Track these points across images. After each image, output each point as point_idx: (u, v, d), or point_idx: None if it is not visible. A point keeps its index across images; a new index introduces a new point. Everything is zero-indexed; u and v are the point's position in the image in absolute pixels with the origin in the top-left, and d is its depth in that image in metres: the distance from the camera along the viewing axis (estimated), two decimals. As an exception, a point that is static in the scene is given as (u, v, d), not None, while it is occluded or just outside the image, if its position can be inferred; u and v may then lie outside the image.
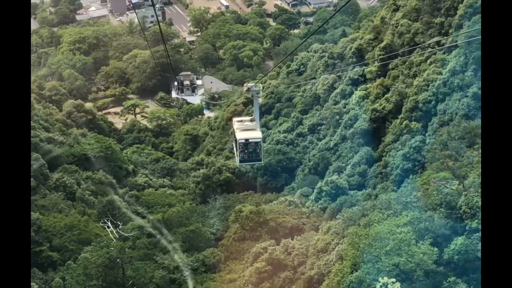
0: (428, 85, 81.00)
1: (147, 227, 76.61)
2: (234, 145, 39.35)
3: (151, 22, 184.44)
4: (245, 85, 39.07)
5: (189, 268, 70.80)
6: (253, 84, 37.63)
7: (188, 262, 71.57)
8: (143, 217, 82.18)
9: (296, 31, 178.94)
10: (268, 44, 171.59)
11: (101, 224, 68.34)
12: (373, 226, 58.01)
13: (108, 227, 63.04)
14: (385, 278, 51.20)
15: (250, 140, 36.33)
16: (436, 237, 55.35)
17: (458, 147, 70.69)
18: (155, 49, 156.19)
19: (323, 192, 75.63)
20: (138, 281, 58.50)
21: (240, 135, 36.54)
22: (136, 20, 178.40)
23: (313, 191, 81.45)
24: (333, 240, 64.73)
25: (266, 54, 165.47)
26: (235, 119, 39.07)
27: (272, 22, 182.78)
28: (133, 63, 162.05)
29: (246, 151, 36.88)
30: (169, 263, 70.87)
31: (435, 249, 52.36)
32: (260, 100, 37.11)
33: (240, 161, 37.17)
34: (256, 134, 36.46)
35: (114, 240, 61.26)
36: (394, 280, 51.47)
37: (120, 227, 66.15)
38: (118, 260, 55.64)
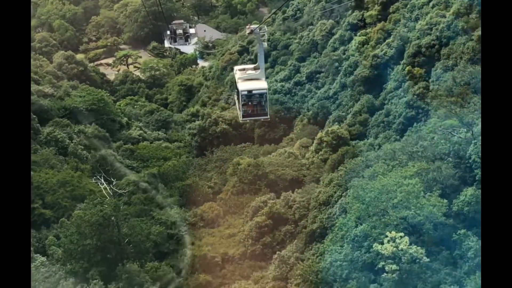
0: (431, 29, 77.14)
1: (143, 182, 73.81)
2: (235, 98, 36.05)
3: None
4: (248, 26, 35.20)
5: (187, 223, 68.46)
6: (257, 26, 33.88)
7: (186, 217, 69.24)
8: (138, 172, 79.42)
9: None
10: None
11: (94, 180, 65.32)
12: (378, 178, 55.30)
13: (102, 183, 59.99)
14: (393, 233, 48.62)
15: (254, 92, 32.94)
16: (445, 188, 52.70)
17: (464, 93, 67.64)
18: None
19: (324, 143, 72.59)
20: (134, 238, 55.92)
21: (243, 86, 33.10)
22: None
23: (312, 142, 78.46)
24: (335, 192, 62.09)
25: (260, 0, 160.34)
26: (236, 68, 35.64)
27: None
28: (124, 12, 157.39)
29: (249, 104, 33.46)
30: (166, 219, 68.57)
31: (445, 200, 49.82)
32: (265, 44, 33.44)
33: (243, 116, 33.76)
34: (260, 84, 32.93)
35: (108, 198, 58.34)
36: (402, 234, 48.98)
37: (114, 183, 63.14)
38: (112, 218, 52.87)
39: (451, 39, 74.57)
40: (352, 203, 53.84)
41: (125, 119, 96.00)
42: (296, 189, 67.92)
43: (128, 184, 72.41)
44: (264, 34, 34.06)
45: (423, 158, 56.33)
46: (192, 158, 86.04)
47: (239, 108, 34.85)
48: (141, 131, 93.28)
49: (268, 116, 34.55)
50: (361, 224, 52.23)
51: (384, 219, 49.39)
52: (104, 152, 76.57)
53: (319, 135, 74.70)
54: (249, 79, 33.18)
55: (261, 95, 33.19)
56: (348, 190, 59.96)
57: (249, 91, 32.55)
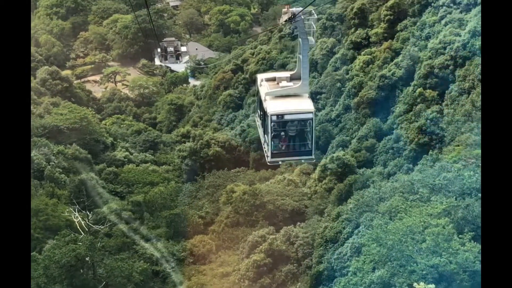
0: (445, 48, 68.86)
1: (126, 211, 64.42)
2: (258, 123, 25.22)
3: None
4: (285, 9, 23.18)
5: (175, 259, 59.12)
6: (301, 9, 23.98)
7: (174, 252, 59.90)
8: (122, 198, 70.08)
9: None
10: (256, 9, 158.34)
11: (71, 208, 55.68)
12: (399, 216, 46.36)
13: (76, 217, 50.35)
14: (422, 284, 39.75)
15: (292, 116, 22.26)
16: (477, 229, 43.99)
17: (484, 119, 58.96)
18: (137, 14, 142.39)
19: (328, 171, 63.68)
20: (112, 281, 46.51)
21: (274, 107, 22.34)
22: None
23: (314, 169, 69.51)
24: (344, 228, 52.95)
25: (254, 19, 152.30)
26: (261, 77, 24.51)
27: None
28: (114, 28, 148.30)
29: (283, 135, 22.47)
30: (151, 253, 59.21)
31: (478, 245, 41.21)
32: (313, 40, 23.14)
33: (273, 155, 22.69)
34: (303, 105, 22.44)
35: (83, 234, 48.74)
36: (433, 286, 40.14)
37: (94, 212, 53.67)
38: (87, 258, 43.35)
39: (467, 60, 66.29)
40: (368, 245, 44.79)
41: (110, 139, 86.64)
42: (298, 223, 58.81)
43: (110, 213, 62.90)
44: (311, 24, 23.81)
45: (448, 193, 47.58)
46: (181, 183, 76.76)
47: (265, 142, 23.36)
48: (126, 153, 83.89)
49: (313, 156, 23.30)
50: (379, 269, 43.26)
51: (410, 266, 40.42)
52: (85, 176, 67.06)
53: (322, 161, 65.76)
54: (283, 96, 22.75)
55: (303, 122, 22.45)
56: (360, 227, 50.98)
57: (281, 116, 22.20)
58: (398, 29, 77.98)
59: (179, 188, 73.54)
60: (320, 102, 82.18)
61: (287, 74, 23.92)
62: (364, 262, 45.34)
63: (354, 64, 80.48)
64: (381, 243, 43.18)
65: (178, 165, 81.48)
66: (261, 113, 23.94)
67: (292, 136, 22.74)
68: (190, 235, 62.59)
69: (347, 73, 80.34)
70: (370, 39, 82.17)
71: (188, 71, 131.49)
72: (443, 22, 72.80)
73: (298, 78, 23.17)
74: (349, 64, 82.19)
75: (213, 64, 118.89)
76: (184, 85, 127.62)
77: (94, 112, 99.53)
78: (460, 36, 68.30)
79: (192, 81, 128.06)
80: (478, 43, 65.64)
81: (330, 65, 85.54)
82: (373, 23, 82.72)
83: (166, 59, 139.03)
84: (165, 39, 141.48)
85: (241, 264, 55.44)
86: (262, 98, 23.20)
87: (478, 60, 64.90)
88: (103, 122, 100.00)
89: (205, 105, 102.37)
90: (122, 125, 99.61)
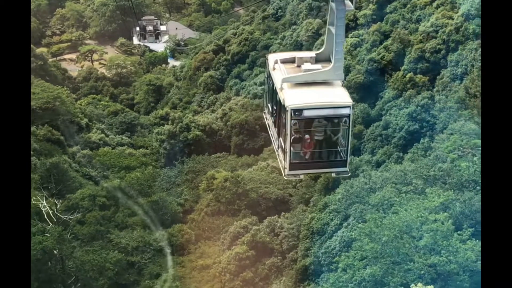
0: (437, 32, 65.46)
1: (100, 197, 60.36)
2: (269, 121, 19.50)
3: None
4: None
5: (152, 249, 55.36)
6: None
7: (150, 242, 56.02)
8: (96, 183, 65.88)
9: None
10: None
11: (38, 195, 51.29)
12: (393, 209, 42.99)
13: (44, 206, 46.08)
14: (419, 285, 36.52)
15: (320, 112, 16.83)
16: (476, 225, 40.88)
17: (478, 105, 56.00)
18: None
19: (314, 158, 60.06)
20: (83, 275, 42.66)
21: (294, 98, 16.85)
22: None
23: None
24: (332, 220, 49.61)
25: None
26: (274, 57, 18.72)
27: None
28: (92, 5, 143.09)
29: (308, 139, 17.00)
30: (126, 243, 55.37)
31: (479, 242, 38.10)
32: (352, 6, 16.95)
33: (292, 167, 17.25)
34: (337, 96, 17.07)
35: (51, 224, 44.57)
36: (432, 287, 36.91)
37: (61, 203, 49.40)
38: (55, 251, 39.31)
39: (459, 44, 62.98)
40: (361, 240, 41.43)
41: (85, 120, 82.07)
42: (283, 213, 55.32)
43: (83, 199, 58.80)
44: None
45: (444, 185, 44.38)
46: (159, 168, 72.69)
47: (280, 148, 17.83)
48: (102, 135, 79.43)
49: (348, 169, 17.76)
50: (371, 266, 39.98)
51: (405, 265, 37.16)
52: (57, 159, 62.59)
53: (308, 148, 62.14)
54: (306, 84, 17.19)
55: (336, 120, 17.04)
56: (350, 219, 47.64)
57: (308, 112, 16.74)
58: (388, 11, 74.31)
59: (157, 174, 69.51)
60: (305, 85, 78.40)
61: (311, 53, 18.40)
62: (355, 258, 42.09)
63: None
64: (374, 238, 39.89)
65: (156, 148, 77.35)
66: (275, 107, 18.17)
67: (319, 140, 17.16)
68: (167, 224, 58.83)
69: (334, 56, 76.57)
70: (358, 21, 78.43)
71: (168, 51, 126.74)
72: (434, 4, 69.30)
73: (327, 59, 17.79)
74: (335, 47, 78.41)
75: (194, 46, 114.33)
76: (163, 65, 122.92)
77: (69, 92, 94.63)
78: (452, 19, 64.95)
79: (172, 62, 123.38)
80: (471, 27, 62.41)
81: (315, 47, 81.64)
82: (361, 4, 78.92)
83: (145, 38, 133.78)
84: (144, 18, 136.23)
85: (222, 256, 51.98)
86: (277, 86, 17.41)
87: (471, 44, 61.73)
88: (78, 102, 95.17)
89: (185, 86, 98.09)
90: (98, 106, 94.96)
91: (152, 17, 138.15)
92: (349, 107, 16.87)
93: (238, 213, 56.96)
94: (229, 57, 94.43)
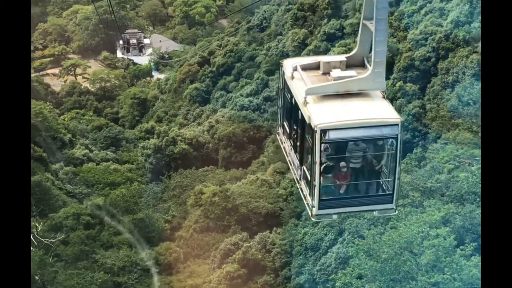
0: (426, 39, 63.78)
1: (85, 215, 57.67)
2: (286, 144, 15.89)
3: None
4: None
5: (139, 269, 52.72)
6: None
7: (137, 261, 53.37)
8: (80, 200, 63.17)
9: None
10: (221, 1, 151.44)
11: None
12: (391, 224, 40.79)
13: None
14: (423, 305, 34.37)
15: (359, 133, 13.21)
16: (478, 239, 38.85)
17: (472, 114, 54.37)
18: (98, 4, 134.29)
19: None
20: (67, 300, 39.83)
21: (324, 115, 13.33)
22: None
23: (288, 167, 63.62)
24: (326, 235, 47.36)
25: (220, 11, 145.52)
26: (291, 63, 15.08)
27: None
28: (74, 19, 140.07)
29: (345, 169, 13.45)
30: (112, 263, 52.69)
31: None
32: None
33: (323, 204, 13.48)
34: (381, 111, 13.53)
35: (32, 248, 41.84)
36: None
37: (42, 224, 46.71)
38: (36, 276, 36.64)
39: (450, 51, 61.32)
40: (358, 258, 39.17)
41: (69, 135, 79.35)
42: (274, 228, 52.95)
43: (66, 218, 56.12)
44: None
45: (443, 197, 42.33)
46: (145, 184, 70.03)
47: (303, 179, 14.28)
48: (86, 150, 76.69)
49: (394, 204, 13.91)
50: (370, 285, 37.72)
51: (408, 284, 34.93)
52: (39, 177, 59.81)
53: (298, 160, 59.89)
54: (336, 96, 13.76)
55: (380, 143, 13.61)
56: (345, 234, 45.41)
57: (343, 133, 13.22)
58: (375, 19, 72.56)
59: (143, 190, 66.91)
60: (292, 96, 76.36)
61: (340, 57, 14.89)
62: (352, 275, 39.84)
63: (328, 56, 74.84)
64: (373, 255, 37.65)
65: (141, 163, 74.70)
66: (294, 126, 14.67)
67: (356, 168, 13.55)
68: (155, 241, 56.21)
69: (321, 66, 74.62)
70: (345, 30, 76.74)
71: (152, 64, 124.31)
72: (422, 11, 67.69)
73: (360, 64, 14.58)
74: (322, 56, 76.54)
75: (178, 58, 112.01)
76: (148, 78, 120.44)
77: (51, 107, 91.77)
78: (442, 26, 63.31)
79: (156, 74, 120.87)
80: (461, 33, 60.90)
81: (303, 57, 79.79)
82: (348, 13, 77.24)
83: (128, 51, 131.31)
84: (127, 31, 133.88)
85: (213, 275, 49.47)
86: (299, 100, 13.96)
87: (462, 51, 60.13)
88: (62, 117, 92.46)
89: (170, 99, 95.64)
90: (81, 121, 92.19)
91: (136, 30, 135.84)
92: (397, 125, 13.19)
93: (228, 229, 54.53)
94: (214, 68, 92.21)
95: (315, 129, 12.89)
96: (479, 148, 46.47)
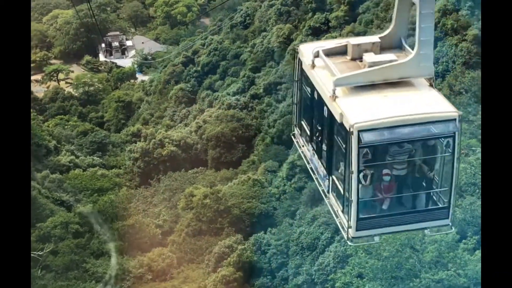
0: (413, 29, 62.30)
1: (73, 224, 55.94)
2: (306, 148, 13.36)
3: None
4: None
5: (131, 276, 51.08)
6: None
7: (129, 268, 51.71)
8: (68, 208, 61.40)
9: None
10: (203, 0, 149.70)
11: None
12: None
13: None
14: (429, 304, 33.07)
15: (405, 132, 10.59)
16: (480, 232, 37.62)
17: (464, 103, 53.14)
18: (78, 8, 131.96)
19: (297, 168, 56.47)
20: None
21: (359, 111, 11.01)
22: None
23: (279, 165, 62.31)
24: (322, 233, 45.99)
25: (201, 10, 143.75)
26: (310, 48, 12.57)
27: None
28: (55, 24, 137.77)
29: (389, 178, 10.99)
30: (104, 271, 50.97)
31: (486, 251, 34.82)
32: None
33: (362, 224, 11.15)
34: (433, 104, 11.05)
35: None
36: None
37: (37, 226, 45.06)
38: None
39: (438, 40, 60.07)
40: (359, 256, 37.82)
41: (54, 142, 77.38)
42: (268, 228, 51.50)
43: (55, 227, 54.40)
44: None
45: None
46: (134, 188, 68.29)
47: (332, 191, 11.94)
48: (72, 157, 74.84)
49: (450, 222, 11.85)
50: (372, 284, 36.37)
51: (411, 282, 33.61)
52: (25, 186, 57.92)
53: (290, 158, 58.52)
54: (372, 86, 11.44)
55: (432, 143, 11.18)
56: (342, 232, 44.03)
57: (386, 133, 10.69)
58: (360, 11, 71.37)
59: (132, 195, 65.19)
60: (280, 93, 74.95)
61: (372, 38, 12.51)
62: (352, 274, 38.47)
63: (315, 51, 73.48)
64: (373, 253, 36.28)
65: (129, 167, 72.87)
66: (318, 127, 12.28)
67: (400, 177, 11.17)
68: (147, 248, 54.55)
69: (308, 61, 73.27)
70: (330, 24, 75.45)
71: (135, 66, 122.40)
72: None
73: (397, 46, 12.40)
74: (309, 51, 75.19)
75: (162, 58, 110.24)
76: (132, 80, 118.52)
77: (35, 114, 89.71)
78: (429, 15, 62.08)
79: (140, 76, 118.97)
80: (449, 22, 59.73)
81: (288, 53, 78.26)
82: (332, 6, 75.94)
83: (111, 54, 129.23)
84: (109, 34, 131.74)
85: (208, 280, 47.91)
86: (324, 94, 11.58)
87: (451, 40, 59.05)
88: (46, 124, 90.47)
89: (156, 101, 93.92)
90: (66, 126, 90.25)
91: (117, 33, 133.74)
92: (454, 120, 10.73)
93: (221, 232, 53.01)
94: (199, 68, 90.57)
95: (351, 129, 10.50)
96: (474, 138, 45.36)
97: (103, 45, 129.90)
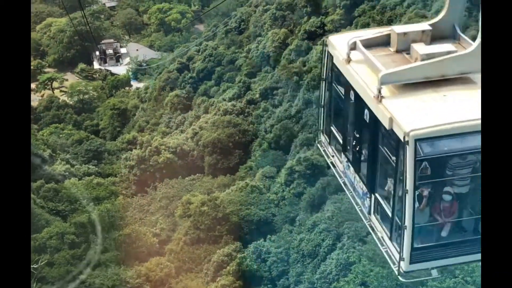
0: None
1: (69, 234, 54.66)
2: (339, 159, 11.29)
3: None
4: None
5: (129, 287, 49.74)
6: None
7: (127, 279, 50.42)
8: (64, 218, 60.10)
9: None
10: (197, 6, 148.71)
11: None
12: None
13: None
14: (436, 312, 31.89)
15: (472, 140, 8.52)
16: (485, 236, 36.50)
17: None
18: (72, 16, 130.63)
19: (296, 173, 55.36)
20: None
21: (412, 116, 8.97)
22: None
23: (277, 171, 61.18)
24: (323, 241, 44.83)
25: (195, 17, 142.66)
26: (344, 39, 10.49)
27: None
28: (48, 33, 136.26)
29: (450, 198, 8.70)
30: (101, 282, 49.70)
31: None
32: None
33: (416, 254, 8.95)
34: None
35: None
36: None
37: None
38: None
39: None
40: (363, 264, 36.66)
41: (48, 151, 76.15)
42: (268, 235, 50.34)
43: (50, 238, 53.11)
44: None
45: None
46: (130, 197, 67.02)
47: (377, 213, 9.86)
48: (67, 165, 73.55)
49: None
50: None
51: (419, 289, 32.46)
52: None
53: (289, 163, 57.42)
54: (424, 84, 9.36)
55: None
56: (344, 239, 42.90)
57: (452, 142, 8.59)
58: (356, 14, 70.43)
59: (128, 203, 63.93)
60: (276, 98, 73.92)
61: (421, 26, 10.50)
62: (355, 283, 37.32)
63: (311, 55, 72.49)
64: (377, 261, 35.14)
65: (125, 175, 71.62)
66: (356, 133, 10.46)
67: (462, 195, 9.27)
68: (144, 257, 53.29)
69: (304, 65, 72.24)
70: (326, 27, 74.42)
71: (130, 73, 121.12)
72: (405, 4, 65.70)
73: (450, 35, 10.55)
74: (305, 56, 74.18)
75: (156, 64, 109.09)
76: (127, 88, 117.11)
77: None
78: (426, 17, 61.01)
79: (135, 84, 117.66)
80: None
81: (283, 57, 77.38)
82: (328, 9, 74.99)
83: (105, 62, 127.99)
84: (103, 41, 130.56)
85: (207, 290, 46.69)
86: (362, 93, 9.89)
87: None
88: (40, 132, 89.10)
89: (151, 108, 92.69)
90: (61, 135, 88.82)
91: (112, 40, 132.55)
92: None
93: (219, 240, 51.82)
94: (194, 74, 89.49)
95: (406, 138, 8.58)
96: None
97: (97, 52, 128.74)
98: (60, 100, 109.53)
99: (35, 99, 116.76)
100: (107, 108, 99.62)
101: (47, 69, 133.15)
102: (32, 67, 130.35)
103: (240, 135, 69.97)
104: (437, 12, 59.25)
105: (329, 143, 11.76)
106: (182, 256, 51.90)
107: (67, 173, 71.96)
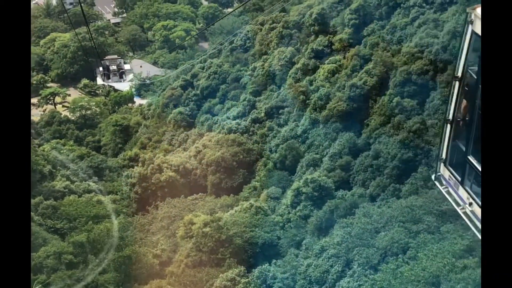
0: (422, 52, 59.74)
1: (67, 253, 52.23)
2: (473, 217, 7.63)
3: (70, 3, 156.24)
4: None
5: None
6: None
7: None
8: (62, 236, 57.74)
9: (229, 9, 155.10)
10: (201, 24, 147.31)
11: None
12: (409, 253, 35.99)
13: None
14: None
15: None
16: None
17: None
18: (76, 31, 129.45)
19: (303, 195, 53.07)
20: None
21: None
22: (53, 1, 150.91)
23: (283, 192, 58.93)
24: (332, 267, 42.42)
25: (200, 34, 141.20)
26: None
27: (204, 1, 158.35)
28: (52, 47, 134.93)
29: None
30: (98, 305, 47.11)
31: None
32: None
33: None
34: None
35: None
36: None
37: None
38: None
39: (448, 63, 57.26)
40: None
41: (48, 167, 73.92)
42: (273, 260, 47.90)
43: (47, 257, 50.66)
44: None
45: (463, 222, 37.54)
46: (131, 215, 64.65)
47: None
48: (67, 182, 71.33)
49: None
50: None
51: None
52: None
53: (295, 185, 55.14)
54: None
55: None
56: (354, 266, 40.48)
57: None
58: (365, 33, 68.61)
59: (129, 222, 61.56)
60: (282, 117, 71.86)
61: None
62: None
63: (318, 74, 70.61)
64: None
65: (126, 193, 69.39)
66: None
67: None
68: (144, 279, 50.82)
69: (311, 84, 70.28)
70: (333, 46, 72.55)
71: (133, 89, 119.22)
72: (416, 23, 63.83)
73: None
74: (311, 74, 72.26)
75: (159, 80, 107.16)
76: (130, 104, 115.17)
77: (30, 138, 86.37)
78: (438, 38, 59.35)
79: (138, 100, 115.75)
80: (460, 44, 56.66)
81: (290, 76, 75.43)
82: (336, 28, 73.09)
83: (108, 78, 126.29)
84: (107, 57, 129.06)
85: (209, 316, 44.18)
86: None
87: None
88: (41, 148, 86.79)
89: (154, 125, 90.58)
90: (62, 151, 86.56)
91: (115, 56, 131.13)
92: None
93: (222, 263, 49.40)
94: (198, 91, 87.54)
95: None
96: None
97: (100, 68, 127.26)
98: (62, 115, 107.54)
99: (37, 114, 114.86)
100: (109, 124, 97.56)
101: (50, 84, 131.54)
102: (34, 82, 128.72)
103: (245, 154, 67.80)
104: (448, 32, 56.99)
105: (462, 182, 7.71)
106: (183, 279, 49.39)
107: (66, 190, 69.83)
